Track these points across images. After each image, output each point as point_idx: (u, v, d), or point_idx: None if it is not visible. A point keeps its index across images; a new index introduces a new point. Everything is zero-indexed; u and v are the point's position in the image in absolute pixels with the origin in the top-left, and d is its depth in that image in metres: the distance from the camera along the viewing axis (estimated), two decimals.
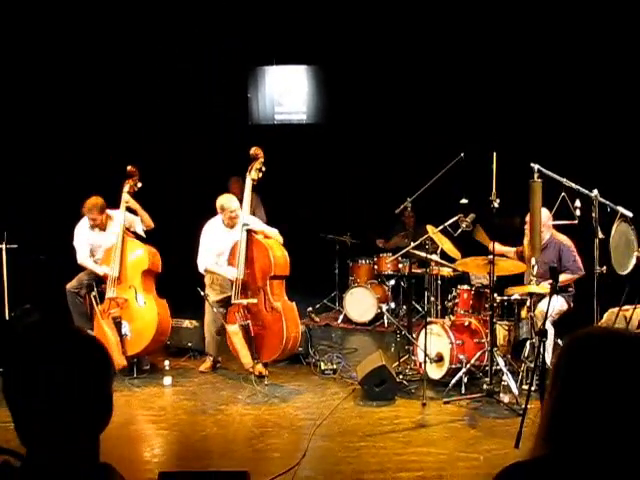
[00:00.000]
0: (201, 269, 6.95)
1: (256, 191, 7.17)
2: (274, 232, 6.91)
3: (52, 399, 1.46)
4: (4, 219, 7.24)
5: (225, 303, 6.82)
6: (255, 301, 6.62)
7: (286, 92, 10.94)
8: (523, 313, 6.49)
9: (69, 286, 7.05)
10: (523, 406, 4.99)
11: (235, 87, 10.67)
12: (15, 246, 7.07)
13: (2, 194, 7.93)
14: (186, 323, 7.61)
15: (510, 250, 6.86)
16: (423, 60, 9.70)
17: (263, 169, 6.79)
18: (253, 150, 6.83)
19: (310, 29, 9.83)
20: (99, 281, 6.97)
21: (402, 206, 7.74)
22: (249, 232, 6.70)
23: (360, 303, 9.16)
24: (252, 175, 6.79)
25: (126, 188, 7.01)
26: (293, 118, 10.99)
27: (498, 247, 6.64)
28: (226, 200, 6.88)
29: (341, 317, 9.36)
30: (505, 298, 6.46)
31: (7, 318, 7.12)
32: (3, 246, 7.00)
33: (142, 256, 6.95)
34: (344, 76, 10.30)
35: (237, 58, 10.26)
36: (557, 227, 6.72)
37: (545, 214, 6.38)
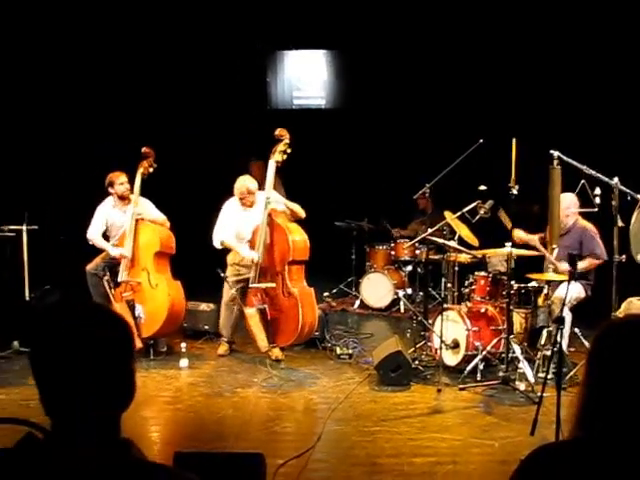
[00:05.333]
0: (216, 243, 6.94)
1: (279, 173, 7.17)
2: (296, 206, 6.89)
3: (77, 374, 1.49)
4: (24, 200, 7.29)
5: (243, 285, 6.83)
6: (273, 285, 6.63)
7: (305, 77, 10.91)
8: (540, 300, 6.46)
9: (89, 267, 7.10)
10: (539, 394, 4.98)
11: (254, 71, 10.65)
12: (35, 227, 7.11)
13: (22, 175, 7.98)
14: (202, 306, 7.65)
15: (533, 237, 6.80)
16: (443, 44, 9.63)
17: (288, 151, 6.74)
18: (278, 131, 6.78)
19: (329, 13, 9.77)
20: (116, 264, 7.02)
21: (420, 192, 7.71)
22: (270, 216, 6.69)
23: (377, 288, 9.16)
24: (276, 157, 6.75)
25: (141, 170, 7.03)
26: (311, 103, 10.97)
27: (522, 235, 6.61)
28: (240, 182, 6.90)
29: (357, 302, 9.37)
30: (522, 285, 6.44)
31: (27, 298, 7.17)
32: (24, 227, 7.04)
33: (154, 238, 6.98)
34: (363, 61, 10.25)
35: (256, 42, 10.23)
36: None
37: (571, 200, 6.34)
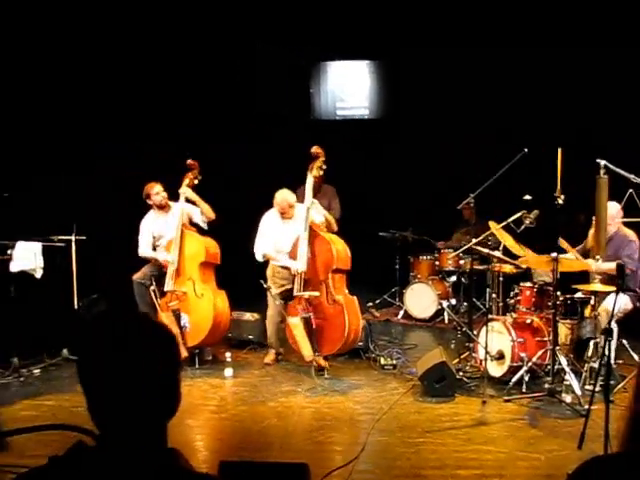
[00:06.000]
0: (258, 256, 7.05)
1: (332, 183, 7.29)
2: (332, 218, 7.05)
3: (123, 384, 1.51)
4: (73, 211, 7.44)
5: (286, 295, 6.89)
6: (317, 294, 6.68)
7: (348, 87, 10.95)
8: (587, 312, 6.37)
9: (135, 277, 7.24)
10: (586, 407, 4.91)
11: (298, 83, 10.72)
12: (84, 238, 7.26)
13: (71, 187, 8.14)
14: (247, 316, 7.71)
15: (572, 250, 6.71)
16: (486, 53, 9.58)
17: (324, 167, 6.98)
18: (314, 149, 6.99)
19: (371, 24, 9.80)
20: (162, 274, 7.13)
21: (464, 202, 7.67)
22: (311, 227, 6.77)
23: (421, 299, 9.13)
24: (313, 173, 6.99)
25: (186, 181, 7.18)
26: (355, 113, 11.00)
27: (565, 246, 6.54)
28: (280, 196, 7.03)
29: (401, 313, 9.35)
30: (568, 296, 6.36)
31: (76, 307, 7.31)
32: (72, 237, 7.19)
33: (199, 248, 7.08)
34: (406, 70, 10.25)
35: (300, 54, 10.30)
36: (623, 224, 6.57)
37: (615, 208, 6.28)
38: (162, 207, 7.28)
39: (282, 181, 7.27)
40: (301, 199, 7.07)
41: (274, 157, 9.87)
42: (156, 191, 7.24)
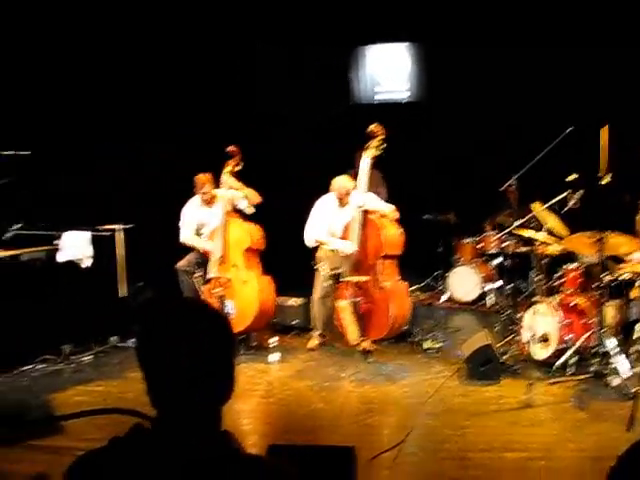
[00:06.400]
0: (309, 241, 7.05)
1: (379, 168, 7.24)
2: (390, 208, 6.98)
3: (181, 368, 1.54)
4: (121, 201, 7.55)
5: (334, 279, 6.91)
6: (365, 279, 6.70)
7: (387, 71, 10.88)
8: (633, 293, 6.29)
9: (179, 265, 7.33)
10: (633, 389, 4.86)
11: (336, 68, 10.68)
12: (131, 226, 7.37)
13: (117, 177, 8.26)
14: (291, 301, 7.76)
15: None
16: (526, 31, 9.42)
17: (382, 146, 6.81)
18: (372, 127, 6.83)
19: (409, 5, 9.72)
20: (206, 261, 7.21)
21: (507, 183, 7.61)
22: (363, 212, 6.77)
23: (464, 282, 9.09)
24: (370, 153, 6.82)
25: (228, 168, 7.18)
26: (394, 97, 10.92)
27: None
28: (339, 183, 7.01)
29: (445, 296, 9.32)
30: (614, 277, 6.28)
31: (122, 295, 7.44)
32: (119, 226, 7.29)
33: (243, 234, 7.13)
34: (446, 53, 10.14)
35: (337, 38, 10.26)
36: None
37: None
38: (208, 202, 7.35)
39: (323, 165, 7.29)
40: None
41: (314, 142, 9.87)
42: (204, 190, 7.30)
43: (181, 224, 7.42)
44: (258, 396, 5.93)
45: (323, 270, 6.93)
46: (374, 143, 6.80)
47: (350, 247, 6.73)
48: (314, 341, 7.21)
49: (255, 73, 9.66)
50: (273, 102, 9.50)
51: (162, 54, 8.58)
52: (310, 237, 7.04)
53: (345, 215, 6.97)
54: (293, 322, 7.70)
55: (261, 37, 9.52)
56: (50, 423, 5.04)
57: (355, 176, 8.81)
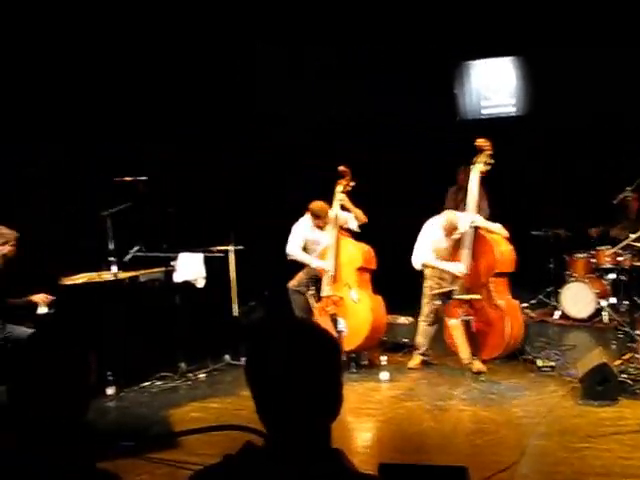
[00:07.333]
0: (417, 264, 7.02)
1: (483, 186, 7.19)
2: (497, 227, 6.89)
3: (290, 387, 1.58)
4: (231, 222, 7.77)
5: (443, 298, 6.87)
6: (478, 297, 6.63)
7: (492, 85, 10.77)
8: None
9: (291, 284, 7.46)
10: None
11: (441, 84, 10.66)
12: (241, 247, 7.56)
13: (229, 199, 8.51)
14: (402, 319, 7.77)
15: None
16: (633, 37, 9.11)
17: (490, 161, 6.76)
18: (480, 141, 6.80)
19: (512, 20, 9.58)
20: (317, 280, 7.31)
21: (621, 196, 7.37)
22: (475, 227, 6.72)
23: (578, 298, 8.83)
24: (478, 167, 6.78)
25: (340, 188, 7.30)
26: (501, 111, 10.79)
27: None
28: (449, 219, 6.89)
29: (558, 313, 9.08)
30: None
31: (236, 314, 7.63)
32: (231, 247, 7.50)
33: (356, 254, 7.20)
34: (552, 65, 9.93)
35: (442, 54, 10.23)
36: None
37: None
38: (320, 228, 7.45)
39: (430, 185, 7.26)
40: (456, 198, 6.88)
41: (421, 160, 9.85)
42: (326, 221, 7.32)
43: (290, 238, 7.54)
44: (368, 414, 5.95)
45: (430, 289, 6.90)
46: (482, 157, 6.75)
47: (460, 269, 6.67)
48: (415, 360, 7.13)
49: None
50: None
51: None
52: (418, 260, 7.01)
53: (448, 241, 6.94)
54: (404, 340, 7.69)
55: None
56: (170, 439, 5.26)
57: (457, 192, 8.78)
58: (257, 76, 9.52)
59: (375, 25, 9.73)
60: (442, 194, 9.53)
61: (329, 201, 7.40)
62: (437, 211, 7.28)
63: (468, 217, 6.80)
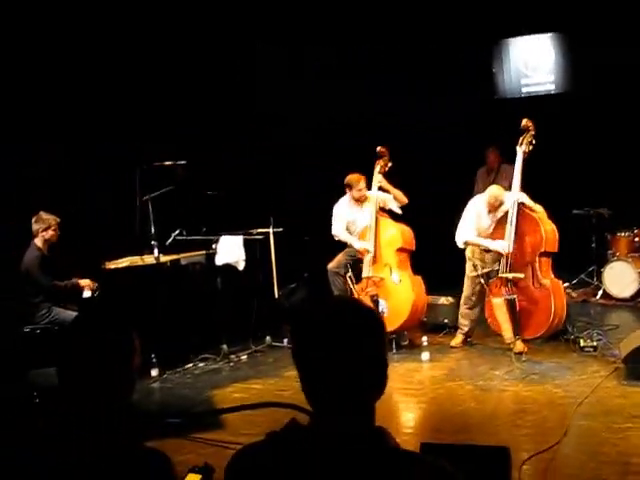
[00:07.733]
0: (460, 243, 7.00)
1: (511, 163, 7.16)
2: (539, 208, 6.87)
3: (337, 365, 1.58)
4: (272, 205, 7.81)
5: (485, 277, 6.84)
6: (522, 276, 6.61)
7: (531, 63, 10.62)
8: None
9: (331, 266, 7.49)
10: None
11: (480, 62, 10.53)
12: (281, 229, 7.61)
13: (267, 183, 8.55)
14: (442, 300, 7.75)
15: None
16: None
17: (534, 142, 6.75)
18: (524, 122, 6.78)
19: None
20: (356, 262, 7.33)
21: None
22: (519, 205, 6.68)
23: (620, 278, 8.72)
24: (523, 148, 6.77)
25: (377, 168, 7.31)
26: (541, 89, 10.64)
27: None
28: (493, 195, 6.83)
29: (600, 292, 8.98)
30: None
31: (276, 296, 7.70)
32: (270, 230, 7.56)
33: (395, 234, 7.21)
34: (591, 41, 9.75)
35: (480, 32, 10.11)
36: None
37: None
38: (360, 201, 7.46)
39: (469, 163, 7.18)
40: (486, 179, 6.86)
41: (459, 139, 9.78)
42: (359, 187, 7.33)
43: (333, 220, 7.56)
44: (409, 394, 5.98)
45: (471, 271, 6.88)
46: (527, 138, 6.73)
47: (505, 246, 6.64)
48: (458, 339, 7.16)
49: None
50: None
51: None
52: (461, 239, 6.98)
53: (494, 217, 6.90)
54: (444, 321, 7.68)
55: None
56: (215, 416, 5.36)
57: (488, 173, 8.71)
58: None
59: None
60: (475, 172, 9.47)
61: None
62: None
63: (513, 195, 6.77)
